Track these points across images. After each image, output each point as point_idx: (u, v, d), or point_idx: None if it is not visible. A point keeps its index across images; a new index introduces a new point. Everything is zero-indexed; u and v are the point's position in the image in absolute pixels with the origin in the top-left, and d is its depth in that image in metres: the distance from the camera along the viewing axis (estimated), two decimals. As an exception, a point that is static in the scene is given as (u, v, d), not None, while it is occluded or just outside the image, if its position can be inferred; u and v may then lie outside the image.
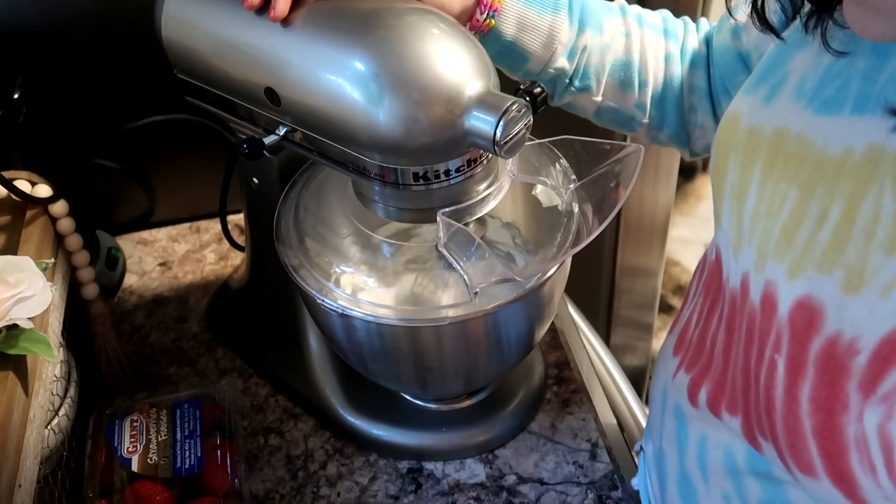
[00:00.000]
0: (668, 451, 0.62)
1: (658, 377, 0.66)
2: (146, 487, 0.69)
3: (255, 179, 0.73)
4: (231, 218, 0.97)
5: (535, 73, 0.67)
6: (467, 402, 0.78)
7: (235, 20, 0.58)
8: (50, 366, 0.63)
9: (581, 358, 0.87)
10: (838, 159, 0.45)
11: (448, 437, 0.77)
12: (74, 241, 0.74)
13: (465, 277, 0.55)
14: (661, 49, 0.70)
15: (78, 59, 0.89)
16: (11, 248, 0.68)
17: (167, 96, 0.76)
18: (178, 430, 0.73)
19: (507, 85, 0.56)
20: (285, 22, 0.55)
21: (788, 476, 0.51)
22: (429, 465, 0.76)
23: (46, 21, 0.85)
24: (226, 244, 0.99)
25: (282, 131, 0.59)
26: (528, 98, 0.55)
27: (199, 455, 0.72)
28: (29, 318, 0.58)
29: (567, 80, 0.68)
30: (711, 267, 0.59)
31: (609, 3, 0.70)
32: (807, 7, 0.49)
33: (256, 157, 0.59)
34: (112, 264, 0.95)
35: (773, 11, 0.53)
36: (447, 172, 0.55)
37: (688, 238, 2.08)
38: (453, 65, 0.52)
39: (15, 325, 0.58)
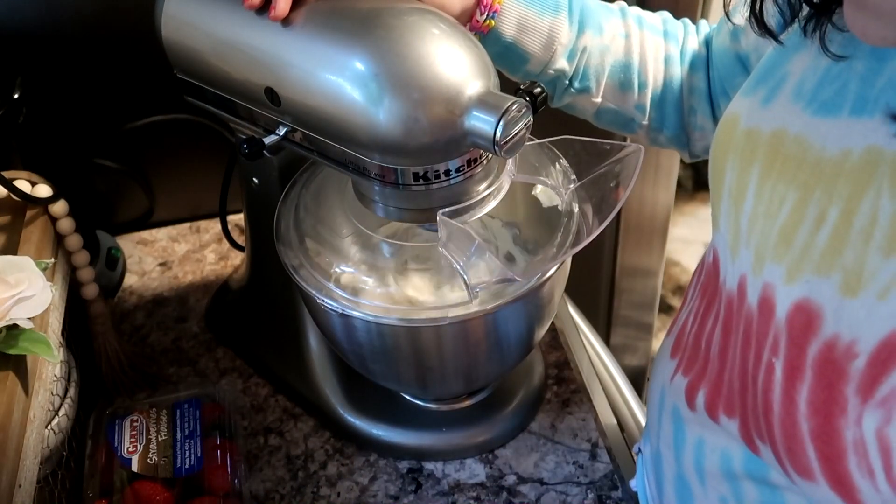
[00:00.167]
0: (666, 454, 0.62)
1: (656, 379, 0.66)
2: (146, 487, 0.69)
3: (255, 179, 0.73)
4: (231, 218, 0.97)
5: (535, 74, 0.67)
6: (467, 402, 0.78)
7: (235, 20, 0.58)
8: (50, 366, 0.63)
9: (581, 358, 0.87)
10: (836, 161, 0.45)
11: (448, 437, 0.77)
12: (74, 241, 0.74)
13: (465, 277, 0.55)
14: (661, 51, 0.70)
15: (78, 59, 0.89)
16: (11, 248, 0.68)
17: (167, 96, 0.76)
18: (178, 430, 0.73)
19: (507, 85, 0.56)
20: (285, 22, 0.55)
21: (786, 481, 0.50)
22: (429, 465, 0.76)
23: (46, 21, 0.85)
24: (226, 244, 0.99)
25: (282, 131, 0.59)
26: (528, 98, 0.55)
27: (199, 455, 0.72)
28: (29, 318, 0.58)
29: (567, 82, 0.68)
30: (709, 269, 0.59)
31: (609, 4, 0.70)
32: (805, 11, 0.49)
33: (256, 157, 0.59)
34: (112, 264, 0.95)
35: (772, 15, 0.53)
36: (447, 172, 0.55)
37: (688, 238, 2.08)
38: (453, 65, 0.52)
39: (15, 325, 0.58)
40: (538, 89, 0.56)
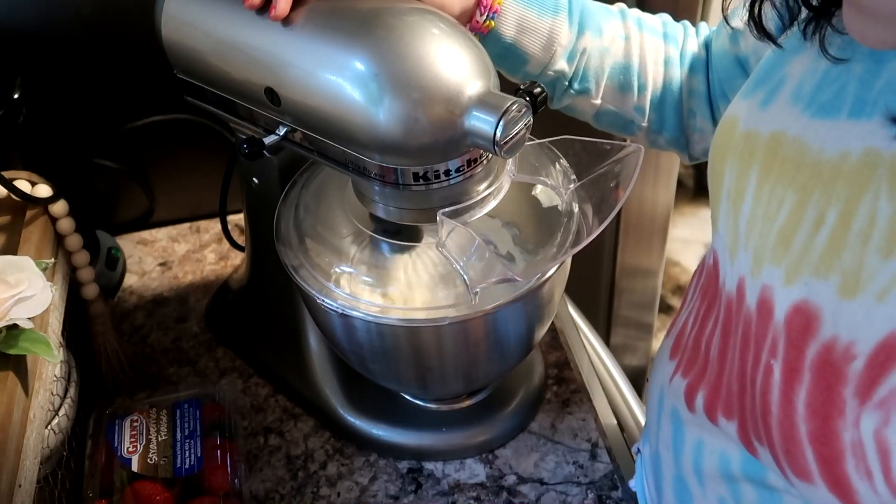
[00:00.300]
0: (665, 455, 0.62)
1: (655, 380, 0.66)
2: (146, 487, 0.69)
3: (255, 179, 0.73)
4: (231, 218, 0.97)
5: (535, 75, 0.67)
6: (467, 402, 0.78)
7: (235, 20, 0.58)
8: (50, 366, 0.63)
9: (581, 358, 0.87)
10: (835, 163, 0.45)
11: (448, 437, 0.77)
12: (74, 241, 0.74)
13: (465, 277, 0.55)
14: (661, 53, 0.70)
15: (78, 59, 0.89)
16: (11, 248, 0.68)
17: (167, 96, 0.76)
18: (178, 430, 0.73)
19: (507, 86, 0.56)
20: (285, 22, 0.55)
21: (784, 483, 0.50)
22: (429, 465, 0.76)
23: (46, 21, 0.85)
24: (226, 244, 0.99)
25: (282, 131, 0.59)
26: (528, 98, 0.55)
27: (199, 455, 0.72)
28: (29, 318, 0.58)
29: (566, 83, 0.68)
30: (709, 271, 0.59)
31: (609, 6, 0.70)
32: (804, 14, 0.49)
33: (256, 157, 0.59)
34: (112, 264, 0.95)
35: (770, 19, 0.53)
36: (447, 172, 0.55)
37: (688, 238, 2.08)
38: (453, 65, 0.52)
39: (15, 325, 0.58)
40: (538, 89, 0.56)
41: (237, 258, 0.99)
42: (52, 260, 0.69)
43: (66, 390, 0.69)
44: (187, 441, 0.73)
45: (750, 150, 0.51)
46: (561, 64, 0.66)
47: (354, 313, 0.61)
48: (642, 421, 0.88)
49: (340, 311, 0.62)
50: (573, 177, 0.63)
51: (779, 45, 0.53)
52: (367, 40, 0.52)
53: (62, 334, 0.68)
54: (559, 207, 0.64)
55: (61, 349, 0.68)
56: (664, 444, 0.62)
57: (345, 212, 0.66)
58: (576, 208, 0.64)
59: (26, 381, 0.59)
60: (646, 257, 1.32)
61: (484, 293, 0.60)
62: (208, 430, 0.74)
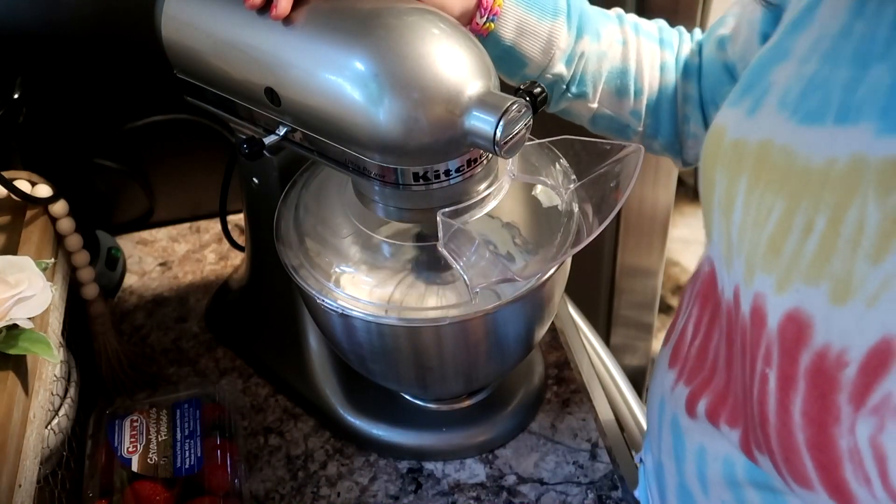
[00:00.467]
0: (667, 464, 0.62)
1: (655, 390, 0.65)
2: (146, 487, 0.69)
3: (255, 179, 0.73)
4: (231, 218, 0.97)
5: (533, 78, 0.67)
6: (467, 402, 0.78)
7: (235, 20, 0.58)
8: (50, 366, 0.63)
9: (581, 358, 0.87)
10: (822, 170, 0.45)
11: (448, 437, 0.77)
12: (74, 241, 0.74)
13: (465, 277, 0.55)
14: (657, 58, 0.70)
15: (78, 59, 0.89)
16: (11, 248, 0.68)
17: (167, 96, 0.76)
18: (178, 430, 0.73)
19: (506, 87, 0.56)
20: (285, 21, 0.55)
21: (787, 488, 0.50)
22: (429, 465, 0.76)
23: (46, 21, 0.85)
24: (226, 244, 0.99)
25: (282, 131, 0.59)
26: (528, 98, 0.55)
27: (199, 455, 0.72)
28: (29, 318, 0.58)
29: (564, 87, 0.68)
30: (706, 278, 0.59)
31: (606, 11, 0.70)
32: None
33: (256, 157, 0.59)
34: (112, 264, 0.95)
35: None
36: (447, 172, 0.55)
37: (688, 238, 2.08)
38: (453, 65, 0.52)
39: (15, 325, 0.58)
40: (538, 89, 0.56)
41: (237, 258, 0.99)
42: (52, 260, 0.69)
43: (66, 390, 0.69)
44: (187, 441, 0.73)
45: (738, 158, 0.51)
46: (559, 67, 0.66)
47: (354, 313, 0.61)
48: (643, 421, 0.88)
49: (340, 311, 0.62)
50: (573, 177, 0.63)
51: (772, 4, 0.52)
52: (367, 40, 0.52)
53: (62, 334, 0.68)
54: (559, 207, 0.64)
55: (61, 349, 0.68)
56: (666, 454, 0.62)
57: (345, 212, 0.66)
58: (576, 208, 0.64)
59: (26, 381, 0.59)
60: (646, 257, 1.32)
61: (484, 293, 0.60)
62: (208, 430, 0.74)
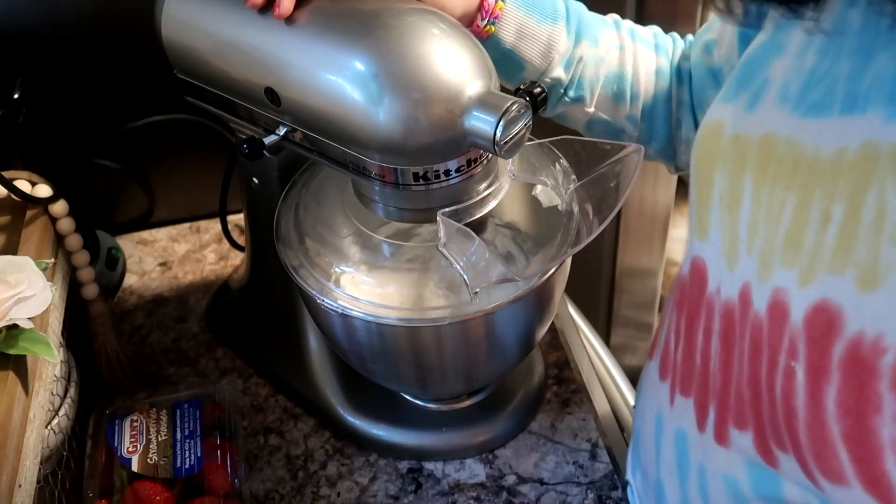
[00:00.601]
0: (669, 481, 0.61)
1: (648, 407, 0.64)
2: (146, 487, 0.69)
3: (255, 179, 0.73)
4: (231, 218, 0.97)
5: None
6: (467, 402, 0.78)
7: (235, 20, 0.58)
8: (50, 366, 0.63)
9: (581, 358, 0.87)
10: (833, 160, 0.45)
11: (448, 437, 0.77)
12: (74, 241, 0.74)
13: (465, 277, 0.55)
14: (653, 63, 0.71)
15: (78, 59, 0.89)
16: (11, 248, 0.68)
17: (167, 96, 0.76)
18: (178, 430, 0.73)
19: (506, 87, 0.56)
20: (286, 21, 0.55)
21: (801, 495, 0.49)
22: (429, 465, 0.76)
23: (46, 21, 0.85)
24: (226, 244, 0.99)
25: (282, 131, 0.59)
26: (527, 98, 0.55)
27: (199, 455, 0.72)
28: (29, 318, 0.58)
29: (562, 91, 0.68)
30: (686, 282, 0.58)
31: (603, 17, 0.71)
32: None
33: (256, 157, 0.59)
34: (112, 264, 0.95)
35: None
36: (447, 172, 0.55)
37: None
38: (453, 65, 0.52)
39: (15, 325, 0.58)
40: (538, 89, 0.56)
41: (237, 258, 0.99)
42: (52, 260, 0.69)
43: (66, 390, 0.70)
44: (187, 441, 0.73)
45: (741, 153, 0.51)
46: (558, 72, 0.67)
47: (354, 313, 0.61)
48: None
49: (340, 311, 0.62)
50: (573, 177, 0.63)
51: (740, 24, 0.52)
52: (367, 40, 0.52)
53: (62, 334, 0.68)
54: (559, 207, 0.64)
55: (61, 349, 0.68)
56: (667, 471, 0.61)
57: (345, 212, 0.66)
58: (576, 208, 0.64)
59: (26, 381, 0.59)
60: (646, 257, 1.32)
61: (484, 293, 0.60)
62: (208, 430, 0.74)
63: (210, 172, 0.89)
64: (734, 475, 0.54)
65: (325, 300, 0.62)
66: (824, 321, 0.44)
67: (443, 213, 0.57)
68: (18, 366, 0.58)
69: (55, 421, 0.66)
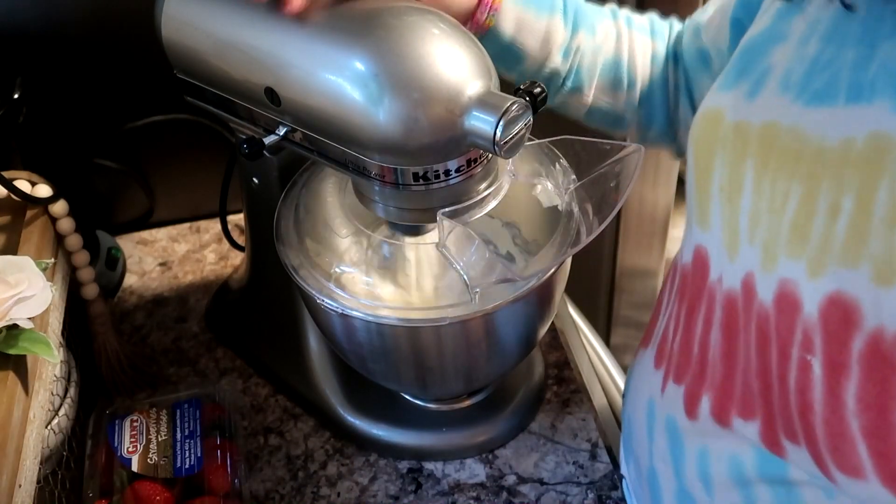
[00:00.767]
0: (663, 469, 0.61)
1: (639, 396, 0.64)
2: (146, 487, 0.69)
3: (255, 179, 0.73)
4: (231, 218, 0.97)
5: (531, 73, 0.68)
6: (467, 402, 0.78)
7: (235, 20, 0.58)
8: (50, 366, 0.63)
9: (581, 358, 0.87)
10: (840, 150, 0.44)
11: (448, 437, 0.77)
12: (74, 241, 0.74)
13: (465, 277, 0.55)
14: (649, 49, 0.71)
15: (78, 59, 0.89)
16: (11, 248, 0.68)
17: (167, 96, 0.76)
18: (178, 430, 0.73)
19: (506, 86, 0.56)
20: (286, 21, 0.55)
21: (806, 476, 0.49)
22: (429, 465, 0.76)
23: (46, 21, 0.85)
24: (226, 244, 0.99)
25: (282, 131, 0.59)
26: (527, 98, 0.55)
27: (199, 455, 0.72)
28: (29, 318, 0.58)
29: (560, 81, 0.69)
30: (686, 271, 0.58)
31: (600, 6, 0.71)
32: None
33: (256, 157, 0.59)
34: (112, 264, 0.95)
35: None
36: (447, 172, 0.55)
37: (688, 238, 2.07)
38: (453, 65, 0.52)
39: (15, 325, 0.58)
40: (538, 89, 0.56)
41: (237, 258, 0.99)
42: (52, 260, 0.69)
43: (66, 390, 0.69)
44: (187, 441, 0.73)
45: (742, 142, 0.50)
46: (556, 62, 0.67)
47: (354, 313, 0.61)
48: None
49: (340, 311, 0.62)
50: (573, 177, 0.63)
51: None
52: (367, 40, 0.52)
53: (62, 334, 0.68)
54: (559, 207, 0.64)
55: (61, 349, 0.68)
56: (660, 459, 0.61)
57: (345, 212, 0.66)
58: (576, 208, 0.64)
59: (26, 381, 0.59)
60: (646, 257, 1.32)
61: (484, 293, 0.60)
62: (208, 430, 0.74)
63: (210, 172, 0.89)
64: (740, 456, 0.53)
65: (325, 300, 0.62)
66: (841, 315, 0.44)
67: (443, 213, 0.57)
68: (18, 366, 0.58)
69: (55, 421, 0.66)
